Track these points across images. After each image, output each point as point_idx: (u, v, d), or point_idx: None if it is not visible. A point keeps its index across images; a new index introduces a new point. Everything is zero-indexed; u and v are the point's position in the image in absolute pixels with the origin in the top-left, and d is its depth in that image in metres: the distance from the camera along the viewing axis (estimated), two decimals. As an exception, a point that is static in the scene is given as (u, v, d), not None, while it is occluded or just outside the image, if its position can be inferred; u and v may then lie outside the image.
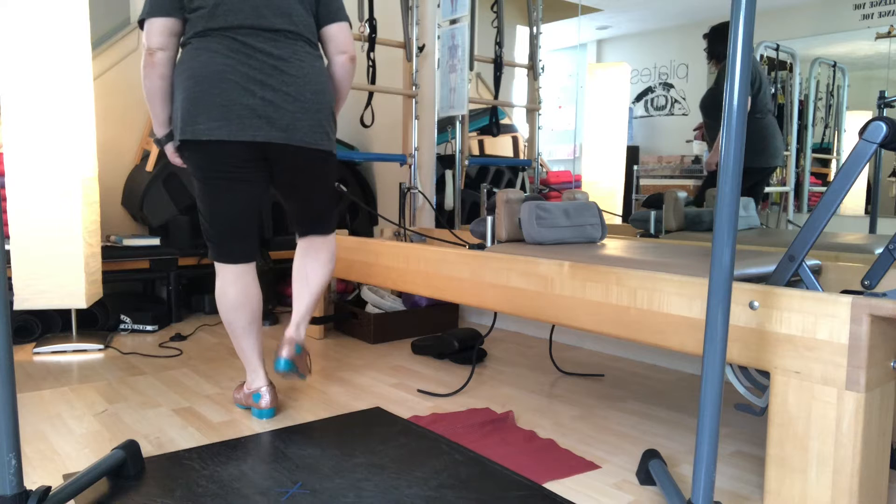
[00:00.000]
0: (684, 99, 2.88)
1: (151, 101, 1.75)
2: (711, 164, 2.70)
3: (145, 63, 1.70)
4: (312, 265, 1.96)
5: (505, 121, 4.16)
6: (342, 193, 3.08)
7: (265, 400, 1.87)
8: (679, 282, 1.51)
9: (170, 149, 1.82)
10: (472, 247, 2.18)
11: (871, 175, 2.30)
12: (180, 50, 1.75)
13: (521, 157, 4.07)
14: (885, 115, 2.22)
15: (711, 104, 2.75)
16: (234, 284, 1.83)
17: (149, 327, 3.00)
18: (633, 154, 3.16)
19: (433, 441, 1.73)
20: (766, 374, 1.43)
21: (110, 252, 3.04)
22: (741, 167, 1.10)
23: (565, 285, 1.79)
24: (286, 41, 1.73)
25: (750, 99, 2.58)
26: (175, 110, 1.72)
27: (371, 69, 3.17)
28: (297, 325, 1.93)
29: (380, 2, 3.70)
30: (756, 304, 1.36)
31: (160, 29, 1.68)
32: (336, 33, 1.82)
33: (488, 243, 2.21)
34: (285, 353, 1.86)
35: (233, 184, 1.75)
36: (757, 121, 2.52)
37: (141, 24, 1.71)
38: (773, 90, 2.59)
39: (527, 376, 2.38)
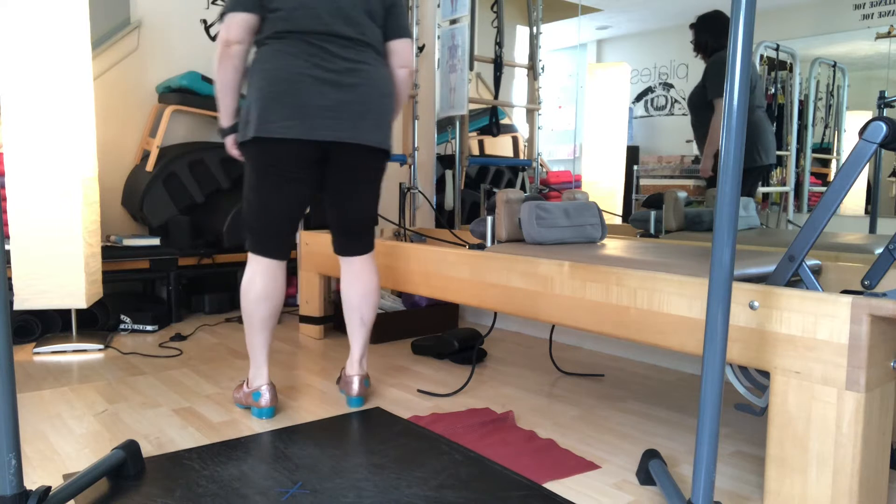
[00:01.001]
0: (684, 99, 2.88)
1: (223, 92, 1.81)
2: (707, 171, 2.68)
3: (221, 55, 1.77)
4: (361, 300, 2.01)
5: (505, 121, 4.16)
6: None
7: (265, 399, 1.88)
8: (679, 282, 1.51)
9: (231, 140, 1.89)
10: (472, 247, 2.18)
11: (871, 175, 2.30)
12: (255, 48, 1.82)
13: (521, 157, 4.07)
14: (885, 115, 2.22)
15: (699, 102, 2.73)
16: (264, 277, 1.87)
17: (149, 327, 3.00)
18: (633, 154, 3.16)
19: (433, 441, 1.73)
20: (766, 374, 1.43)
21: (110, 252, 3.04)
22: (741, 167, 1.10)
23: (565, 285, 1.79)
24: (356, 48, 1.81)
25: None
26: (247, 106, 1.78)
27: (371, 69, 3.17)
28: (360, 361, 2.02)
29: (380, 2, 3.70)
30: (756, 304, 1.36)
31: (241, 23, 1.75)
32: (401, 49, 1.93)
33: (488, 243, 2.21)
34: (357, 391, 1.99)
35: (288, 184, 1.82)
36: None
37: (221, 17, 1.78)
38: (770, 89, 2.58)
39: (527, 376, 2.38)
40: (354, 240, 1.99)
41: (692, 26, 2.71)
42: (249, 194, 1.86)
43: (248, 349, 1.92)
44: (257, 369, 1.91)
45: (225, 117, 1.85)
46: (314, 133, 1.74)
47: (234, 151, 1.91)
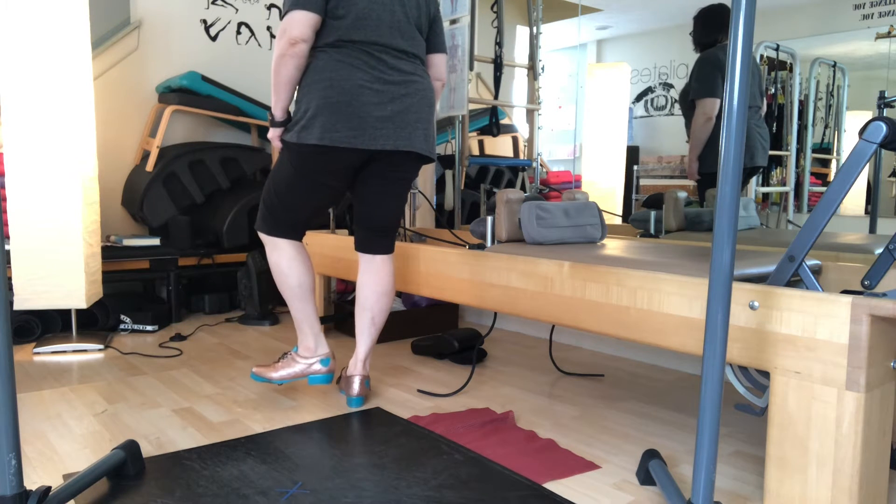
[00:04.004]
0: (684, 99, 2.87)
1: (281, 87, 1.84)
2: (693, 174, 2.66)
3: (283, 52, 1.78)
4: (376, 301, 2.05)
5: (505, 121, 4.16)
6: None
7: (333, 364, 2.04)
8: (679, 282, 1.51)
9: (277, 131, 1.93)
10: (472, 247, 2.18)
11: (871, 175, 2.30)
12: (313, 52, 1.85)
13: (521, 157, 4.07)
14: (885, 115, 2.22)
15: (685, 102, 2.71)
16: (296, 260, 2.00)
17: (149, 327, 3.00)
18: (633, 154, 3.17)
19: (433, 441, 1.73)
20: (766, 374, 1.43)
21: (110, 252, 3.04)
22: (741, 167, 1.10)
23: (565, 285, 1.79)
24: (408, 60, 1.89)
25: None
26: (306, 111, 1.81)
27: (371, 69, 3.17)
28: (364, 361, 2.05)
29: (380, 2, 3.69)
30: (756, 304, 1.36)
31: (307, 22, 1.77)
32: (438, 63, 2.03)
33: (488, 243, 2.21)
34: (357, 391, 2.01)
35: (325, 189, 1.93)
36: None
37: (284, 13, 1.81)
38: (770, 89, 2.58)
39: (527, 376, 2.38)
40: (381, 237, 2.06)
41: (694, 19, 2.68)
42: (280, 185, 1.94)
43: (298, 324, 2.03)
44: (317, 337, 2.04)
45: (280, 110, 1.90)
46: (375, 143, 1.82)
47: (276, 142, 1.96)
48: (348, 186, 1.99)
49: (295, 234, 2.01)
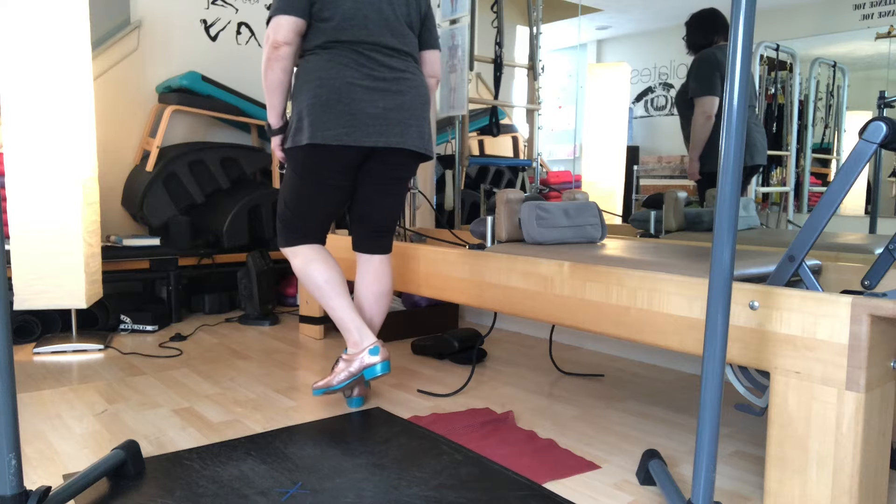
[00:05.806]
0: (684, 99, 2.87)
1: (272, 93, 1.86)
2: (694, 175, 2.66)
3: (270, 56, 1.81)
4: (375, 302, 2.05)
5: (505, 121, 4.16)
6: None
7: (383, 353, 1.91)
8: (679, 282, 1.51)
9: (277, 140, 1.94)
10: (472, 247, 2.18)
11: (871, 175, 2.30)
12: (304, 55, 1.86)
13: (521, 157, 4.07)
14: (885, 115, 2.22)
15: (683, 102, 2.71)
16: (316, 260, 1.98)
17: (149, 327, 3.00)
18: (633, 154, 3.17)
19: (433, 441, 1.73)
20: (766, 374, 1.43)
21: (110, 252, 3.04)
22: (741, 167, 1.10)
23: (565, 285, 1.79)
24: (399, 57, 1.89)
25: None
26: (298, 113, 1.82)
27: (371, 69, 3.16)
28: None
29: (380, 2, 3.69)
30: (756, 304, 1.36)
31: (291, 26, 1.79)
32: (432, 59, 2.03)
33: (488, 243, 2.21)
34: (357, 391, 2.01)
35: (332, 190, 1.93)
36: None
37: (269, 18, 1.82)
38: (770, 89, 2.58)
39: (527, 376, 2.38)
40: (379, 238, 2.06)
41: (686, 24, 2.70)
42: (290, 196, 1.95)
43: (339, 323, 1.96)
44: (360, 330, 1.94)
45: (274, 117, 1.90)
46: (366, 140, 1.81)
47: (278, 153, 1.96)
48: (352, 186, 1.99)
49: (312, 239, 2.01)
